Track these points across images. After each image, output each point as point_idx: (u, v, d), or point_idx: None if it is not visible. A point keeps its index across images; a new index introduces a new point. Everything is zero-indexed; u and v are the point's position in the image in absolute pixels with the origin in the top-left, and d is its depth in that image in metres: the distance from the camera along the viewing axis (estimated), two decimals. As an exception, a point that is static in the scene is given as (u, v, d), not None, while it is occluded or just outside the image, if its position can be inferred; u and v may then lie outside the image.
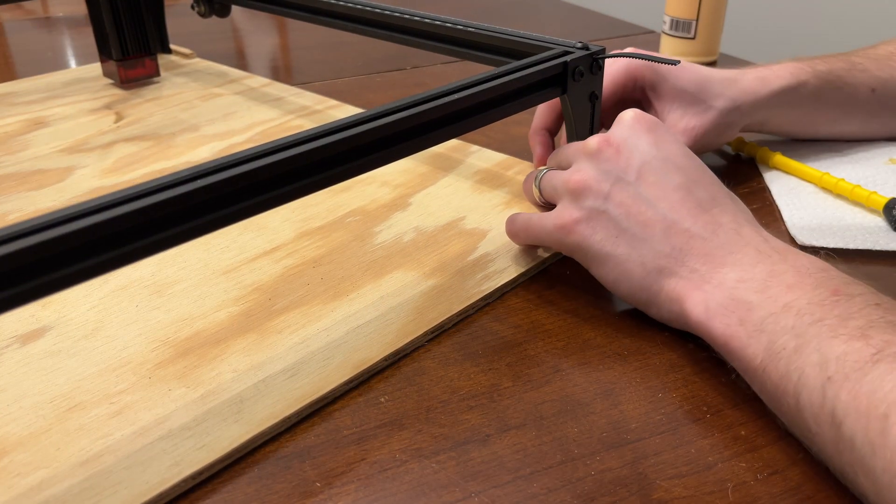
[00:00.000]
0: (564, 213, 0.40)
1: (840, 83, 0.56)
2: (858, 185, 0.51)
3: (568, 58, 0.44)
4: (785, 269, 0.33)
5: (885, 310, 0.30)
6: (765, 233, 0.37)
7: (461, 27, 0.51)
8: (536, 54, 0.44)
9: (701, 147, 0.54)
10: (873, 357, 0.27)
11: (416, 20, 0.54)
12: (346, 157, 0.34)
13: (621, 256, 0.38)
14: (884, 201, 0.49)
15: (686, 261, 0.36)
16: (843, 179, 0.52)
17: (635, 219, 0.38)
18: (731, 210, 0.37)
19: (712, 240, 0.36)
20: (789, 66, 0.55)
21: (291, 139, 0.32)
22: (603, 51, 0.45)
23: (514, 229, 0.44)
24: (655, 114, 0.54)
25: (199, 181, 0.29)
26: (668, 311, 0.37)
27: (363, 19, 0.59)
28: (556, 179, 0.42)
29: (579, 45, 0.45)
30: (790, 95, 0.54)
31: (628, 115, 0.41)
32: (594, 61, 0.45)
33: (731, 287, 0.34)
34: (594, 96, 0.46)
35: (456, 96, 0.38)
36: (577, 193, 0.39)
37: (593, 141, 0.40)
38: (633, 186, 0.38)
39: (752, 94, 0.53)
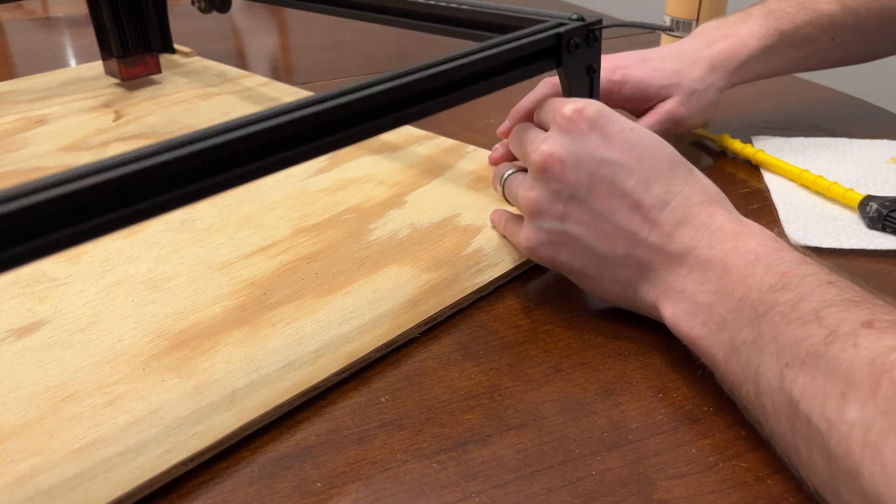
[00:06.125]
0: (527, 233, 0.40)
1: (802, 42, 0.58)
2: (836, 183, 0.51)
3: (562, 29, 0.42)
4: (735, 262, 0.34)
5: (839, 288, 0.30)
6: (716, 212, 0.36)
7: (455, 5, 0.49)
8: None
9: (687, 127, 0.56)
10: (826, 339, 0.28)
11: (406, 0, 0.53)
12: (337, 126, 0.34)
13: (591, 273, 0.39)
14: (859, 198, 0.49)
15: (651, 272, 0.37)
16: (821, 177, 0.52)
17: (596, 236, 0.38)
18: (685, 197, 0.37)
19: (669, 244, 0.36)
20: (756, 31, 0.56)
21: (294, 104, 0.32)
22: (600, 21, 0.44)
23: (496, 221, 0.47)
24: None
25: (178, 150, 0.29)
26: (648, 314, 0.39)
27: (356, 3, 0.58)
28: (515, 191, 0.42)
29: (574, 16, 0.44)
30: (756, 64, 0.57)
31: (565, 114, 0.38)
32: (590, 32, 0.44)
33: (692, 292, 0.35)
34: (592, 69, 0.45)
35: (447, 66, 0.37)
36: (533, 215, 0.39)
37: (538, 156, 0.38)
38: (587, 202, 0.37)
39: (722, 70, 0.55)
